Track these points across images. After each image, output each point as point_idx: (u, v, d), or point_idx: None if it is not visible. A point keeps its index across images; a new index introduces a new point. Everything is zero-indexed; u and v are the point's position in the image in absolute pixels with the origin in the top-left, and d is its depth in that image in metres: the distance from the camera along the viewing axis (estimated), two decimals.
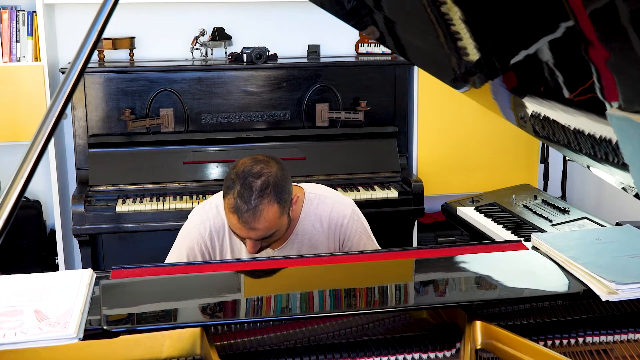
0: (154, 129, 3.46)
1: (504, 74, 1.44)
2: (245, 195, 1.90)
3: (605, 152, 1.29)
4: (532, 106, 1.45)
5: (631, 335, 1.49)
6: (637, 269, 1.52)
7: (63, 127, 3.74)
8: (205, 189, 3.34)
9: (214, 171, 3.40)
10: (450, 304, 1.50)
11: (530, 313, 1.56)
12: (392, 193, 3.41)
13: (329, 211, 2.16)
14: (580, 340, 1.48)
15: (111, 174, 3.34)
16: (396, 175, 3.55)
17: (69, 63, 1.69)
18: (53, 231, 3.63)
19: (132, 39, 3.64)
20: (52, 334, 1.27)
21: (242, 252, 2.13)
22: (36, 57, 3.44)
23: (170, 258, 2.17)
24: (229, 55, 3.67)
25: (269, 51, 3.56)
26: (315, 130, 3.59)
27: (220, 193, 2.09)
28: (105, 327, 1.33)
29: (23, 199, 1.55)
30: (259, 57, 3.50)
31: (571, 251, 1.63)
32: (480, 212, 3.04)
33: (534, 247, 1.74)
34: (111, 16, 1.33)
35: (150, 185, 3.35)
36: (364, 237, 2.21)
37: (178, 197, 3.27)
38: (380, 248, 2.28)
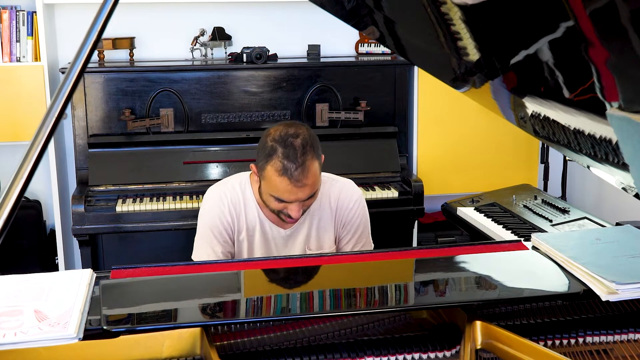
0: (154, 129, 3.46)
1: (504, 74, 1.44)
2: (291, 155, 1.98)
3: (605, 152, 1.29)
4: (532, 106, 1.45)
5: (631, 335, 1.49)
6: (637, 269, 1.52)
7: (63, 127, 3.74)
8: (205, 189, 3.28)
9: (214, 171, 3.40)
10: (450, 304, 1.50)
11: (530, 313, 1.56)
12: (392, 193, 3.41)
13: (338, 192, 2.25)
14: (580, 340, 1.48)
15: (111, 174, 3.34)
16: (396, 175, 3.55)
17: (69, 63, 1.69)
18: (53, 231, 3.63)
19: (132, 39, 3.64)
20: (52, 334, 1.27)
21: (256, 231, 2.19)
22: (36, 57, 3.44)
23: (200, 247, 2.20)
24: (229, 55, 3.67)
25: (269, 51, 3.56)
26: (315, 130, 3.56)
27: (237, 175, 2.21)
28: (105, 327, 1.33)
29: (23, 199, 1.55)
30: (259, 57, 3.50)
31: (571, 251, 1.63)
32: (480, 212, 3.04)
33: (534, 247, 1.74)
34: (111, 16, 1.33)
35: (150, 185, 3.35)
36: (361, 227, 2.26)
37: (178, 197, 3.27)
38: (373, 249, 2.31)
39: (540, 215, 2.89)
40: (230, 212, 2.18)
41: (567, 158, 3.63)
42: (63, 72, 3.45)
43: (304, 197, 2.03)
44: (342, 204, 2.23)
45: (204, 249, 2.19)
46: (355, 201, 2.25)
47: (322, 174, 2.23)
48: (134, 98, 3.44)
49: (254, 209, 2.20)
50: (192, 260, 2.20)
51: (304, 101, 3.57)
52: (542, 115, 1.43)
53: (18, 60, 3.43)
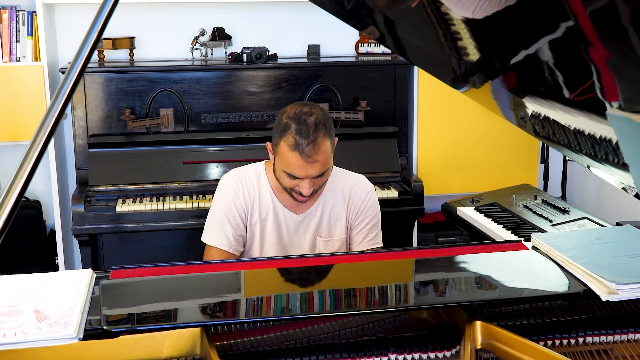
0: (154, 129, 3.46)
1: (504, 74, 1.44)
2: (303, 131, 2.07)
3: (605, 152, 1.29)
4: (532, 106, 1.45)
5: (631, 335, 1.49)
6: (637, 269, 1.52)
7: (63, 127, 3.74)
8: (205, 189, 3.33)
9: (214, 171, 3.40)
10: (450, 304, 1.50)
11: (530, 313, 1.56)
12: (392, 193, 3.41)
13: (352, 183, 2.33)
14: (580, 340, 1.48)
15: (111, 174, 3.34)
16: (396, 175, 3.55)
17: (69, 63, 1.69)
18: (53, 231, 3.63)
19: (132, 39, 3.64)
20: (52, 334, 1.27)
21: (269, 216, 2.25)
22: (36, 57, 3.44)
23: (211, 228, 2.26)
24: (229, 55, 3.67)
25: (269, 51, 3.56)
26: None
27: (251, 164, 2.29)
28: (105, 327, 1.33)
29: (23, 199, 1.55)
30: (259, 57, 3.50)
31: (571, 251, 1.63)
32: (480, 212, 3.04)
33: (534, 247, 1.74)
34: (111, 16, 1.33)
35: (150, 185, 3.35)
36: (375, 218, 2.32)
37: (178, 197, 3.27)
38: (382, 245, 2.32)
39: (540, 215, 2.89)
40: (244, 196, 2.25)
41: (567, 158, 3.63)
42: (63, 72, 3.45)
43: (314, 174, 2.10)
44: (356, 194, 2.31)
45: (214, 230, 2.26)
46: (369, 192, 2.33)
47: (335, 167, 2.31)
48: (134, 98, 3.44)
49: (268, 195, 2.27)
50: (191, 260, 2.20)
51: (304, 101, 3.56)
52: (542, 115, 1.43)
53: (18, 60, 3.42)
